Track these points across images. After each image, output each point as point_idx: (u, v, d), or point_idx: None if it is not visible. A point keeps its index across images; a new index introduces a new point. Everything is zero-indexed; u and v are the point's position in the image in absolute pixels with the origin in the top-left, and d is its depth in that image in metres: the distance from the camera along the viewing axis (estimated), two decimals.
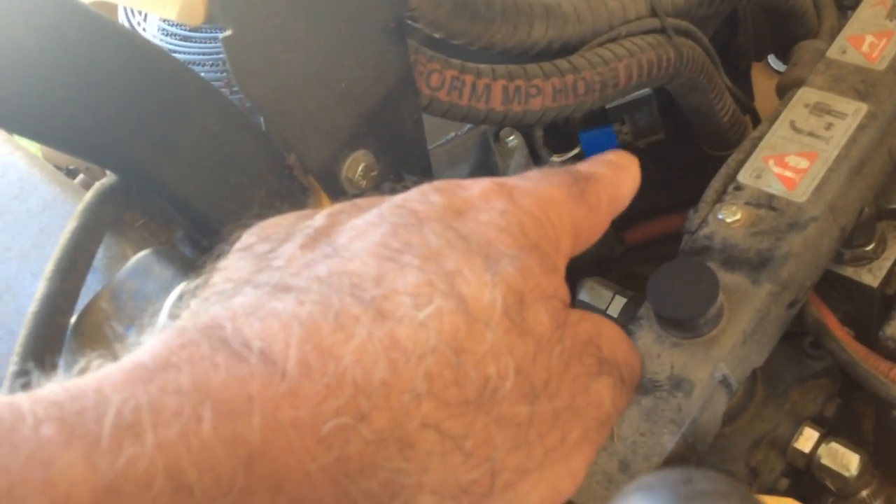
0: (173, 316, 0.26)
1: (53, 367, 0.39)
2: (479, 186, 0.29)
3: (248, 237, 0.29)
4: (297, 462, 0.22)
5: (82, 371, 0.23)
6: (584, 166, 0.34)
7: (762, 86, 0.75)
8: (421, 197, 0.28)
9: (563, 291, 0.28)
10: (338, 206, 0.30)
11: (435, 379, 0.24)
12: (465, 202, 0.28)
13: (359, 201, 0.30)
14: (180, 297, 0.29)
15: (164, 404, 0.21)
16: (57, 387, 0.22)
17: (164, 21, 0.60)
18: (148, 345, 0.23)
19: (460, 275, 0.26)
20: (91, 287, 0.41)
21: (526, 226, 0.28)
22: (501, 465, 0.26)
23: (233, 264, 0.27)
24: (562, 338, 0.27)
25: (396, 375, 0.24)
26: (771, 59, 0.78)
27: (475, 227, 0.27)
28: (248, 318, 0.24)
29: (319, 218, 0.29)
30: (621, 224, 0.75)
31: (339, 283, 0.25)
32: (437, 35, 0.49)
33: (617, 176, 0.34)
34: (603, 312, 0.64)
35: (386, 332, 0.24)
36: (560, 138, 0.66)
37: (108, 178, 0.42)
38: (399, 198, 0.29)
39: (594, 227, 0.33)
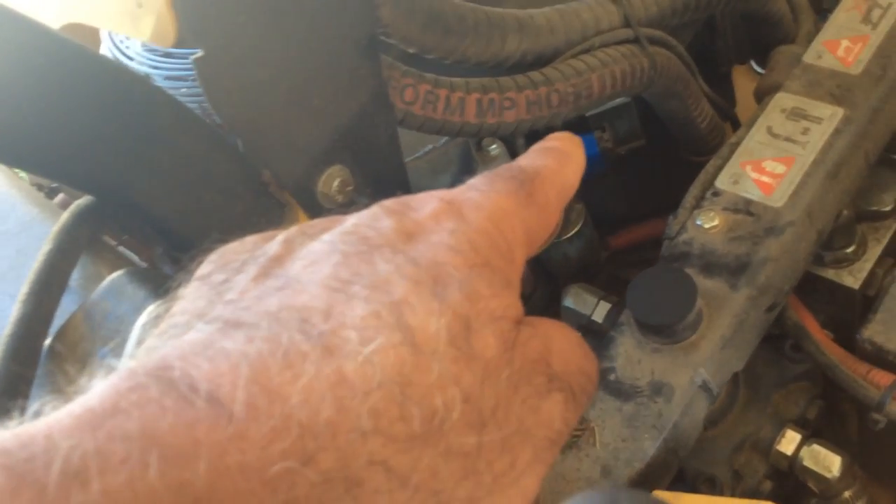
0: (140, 342, 0.26)
1: (27, 391, 0.40)
2: (429, 207, 0.29)
3: (207, 265, 0.29)
4: None
5: (37, 414, 0.23)
6: (527, 161, 0.33)
7: (746, 89, 0.76)
8: (371, 221, 0.28)
9: (514, 309, 0.28)
10: (293, 231, 0.30)
11: (381, 415, 0.24)
12: (415, 224, 0.28)
13: (312, 224, 0.30)
14: (144, 325, 0.29)
15: (112, 451, 0.21)
16: (8, 433, 0.22)
17: None
18: (98, 388, 0.23)
19: (407, 304, 0.26)
20: (67, 307, 0.42)
21: (477, 243, 0.28)
22: (450, 496, 0.26)
23: (190, 294, 0.27)
24: (510, 360, 0.27)
25: (342, 414, 0.24)
26: (753, 62, 0.79)
27: (425, 249, 0.27)
28: (196, 357, 0.24)
29: (273, 245, 0.29)
30: (606, 229, 0.75)
31: (288, 318, 0.25)
32: (410, 50, 0.49)
33: (562, 166, 0.34)
34: (588, 318, 0.65)
35: (333, 369, 0.24)
36: None
37: (84, 199, 0.43)
38: (350, 222, 0.29)
39: (546, 226, 0.32)
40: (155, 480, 0.21)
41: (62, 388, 0.24)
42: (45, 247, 0.40)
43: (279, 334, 0.25)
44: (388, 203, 0.29)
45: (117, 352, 0.31)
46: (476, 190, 0.30)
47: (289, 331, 0.25)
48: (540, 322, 0.30)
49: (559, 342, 0.29)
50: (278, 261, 0.28)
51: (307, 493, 0.23)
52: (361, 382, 0.24)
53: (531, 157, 0.33)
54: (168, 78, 0.59)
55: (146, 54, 0.61)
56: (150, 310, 0.29)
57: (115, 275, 0.42)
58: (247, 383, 0.23)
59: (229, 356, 0.24)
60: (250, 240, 0.30)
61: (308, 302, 0.25)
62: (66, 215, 0.42)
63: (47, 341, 0.41)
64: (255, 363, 0.24)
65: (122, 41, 0.63)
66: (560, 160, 0.34)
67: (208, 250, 0.30)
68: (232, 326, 0.25)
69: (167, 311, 0.28)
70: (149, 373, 0.23)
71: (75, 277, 0.43)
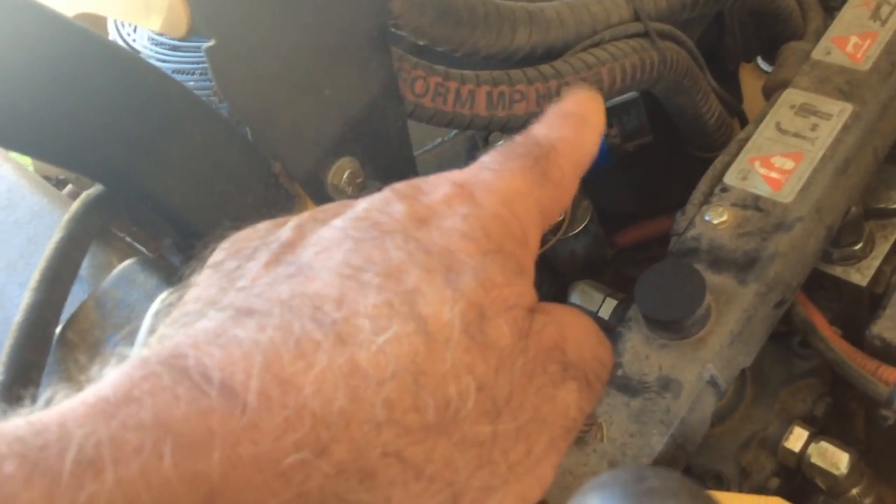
0: (153, 330, 0.26)
1: (38, 379, 0.39)
2: (441, 191, 0.28)
3: (219, 253, 0.29)
4: (257, 498, 0.22)
5: (48, 402, 0.23)
6: (542, 131, 0.32)
7: (751, 86, 0.76)
8: (383, 206, 0.28)
9: (527, 297, 0.28)
10: (304, 217, 0.29)
11: (395, 406, 0.24)
12: (427, 209, 0.28)
13: (324, 210, 0.30)
14: (156, 313, 0.29)
15: (126, 440, 0.21)
16: (22, 421, 0.22)
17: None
18: (111, 377, 0.23)
19: (420, 293, 0.25)
20: (77, 296, 0.41)
21: (490, 228, 0.27)
22: (465, 486, 0.26)
23: (202, 282, 0.27)
24: (525, 349, 0.27)
25: (356, 404, 0.24)
26: (760, 59, 0.79)
27: (437, 235, 0.27)
28: (209, 345, 0.24)
29: (285, 231, 0.28)
30: (613, 226, 0.75)
31: (300, 306, 0.25)
32: (421, 42, 0.49)
33: (578, 135, 0.32)
34: (594, 315, 0.65)
35: (346, 358, 0.24)
36: None
37: (95, 188, 0.43)
38: (361, 208, 0.28)
39: (561, 202, 0.32)
40: (169, 470, 0.21)
41: (74, 377, 0.24)
42: (55, 235, 0.40)
43: (291, 322, 0.24)
44: (400, 187, 0.29)
45: (128, 340, 0.31)
46: (488, 170, 0.30)
47: (301, 319, 0.24)
48: (554, 309, 0.29)
49: (573, 329, 0.29)
50: (290, 247, 0.27)
51: (321, 485, 0.23)
52: (375, 372, 0.24)
53: (547, 127, 0.32)
54: (175, 72, 0.59)
55: (153, 47, 0.61)
56: (163, 297, 0.29)
57: (126, 263, 0.42)
58: (260, 372, 0.23)
59: (242, 344, 0.24)
60: (262, 226, 0.30)
61: (320, 289, 0.25)
62: (76, 204, 0.42)
63: (58, 329, 0.41)
64: (268, 352, 0.24)
65: (129, 34, 0.63)
66: (577, 128, 0.32)
67: (221, 238, 0.30)
68: (244, 314, 0.25)
69: (179, 299, 0.27)
70: (162, 361, 0.23)
71: (85, 266, 0.43)
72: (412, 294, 0.25)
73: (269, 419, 0.23)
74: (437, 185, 0.29)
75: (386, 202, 0.28)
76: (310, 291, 0.25)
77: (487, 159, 0.30)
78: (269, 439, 0.23)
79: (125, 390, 0.22)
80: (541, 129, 0.32)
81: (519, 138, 0.32)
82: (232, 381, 0.23)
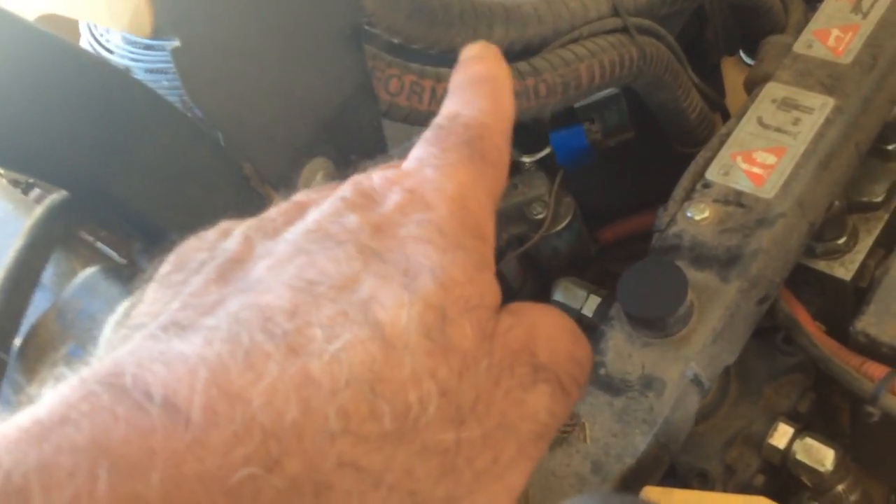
0: (111, 343, 0.25)
1: None
2: (392, 198, 0.28)
3: (165, 265, 0.28)
4: None
5: None
6: (465, 110, 0.30)
7: (734, 80, 0.75)
8: (335, 217, 0.27)
9: (491, 297, 0.27)
10: (252, 226, 0.28)
11: (350, 415, 0.23)
12: (382, 218, 0.27)
13: (272, 218, 0.29)
14: (116, 324, 0.28)
15: (58, 465, 0.20)
16: None
17: None
18: (48, 398, 0.22)
19: (376, 300, 0.24)
20: (40, 305, 0.41)
21: (445, 228, 0.26)
22: (428, 496, 0.25)
23: (149, 296, 0.26)
24: (490, 351, 0.26)
25: (308, 415, 0.23)
26: (742, 53, 0.78)
27: (393, 242, 0.26)
28: (152, 363, 0.23)
29: (232, 242, 0.27)
30: (595, 223, 0.75)
31: (249, 318, 0.24)
32: (395, 40, 0.48)
33: (497, 101, 0.31)
34: (577, 312, 0.64)
35: (298, 368, 0.23)
36: (530, 138, 0.66)
37: (59, 194, 0.42)
38: (312, 219, 0.27)
39: (503, 178, 0.30)
40: (104, 494, 0.20)
41: (9, 399, 0.23)
42: (16, 243, 0.39)
43: (239, 334, 0.23)
44: (350, 196, 0.28)
45: (86, 351, 0.30)
46: (430, 167, 0.29)
47: (250, 331, 0.23)
48: (525, 309, 0.28)
49: (546, 329, 0.28)
50: (239, 259, 0.26)
51: (273, 500, 0.22)
52: (328, 381, 0.23)
53: (464, 102, 0.31)
54: (149, 71, 0.58)
55: (127, 47, 0.60)
56: (122, 308, 0.28)
57: (87, 272, 0.41)
58: (205, 387, 0.22)
59: (187, 360, 0.23)
60: (208, 235, 0.29)
61: (271, 301, 0.24)
62: (39, 210, 0.41)
63: (18, 340, 0.40)
64: (215, 366, 0.23)
65: (101, 34, 0.61)
66: (493, 94, 0.31)
67: (171, 249, 0.29)
68: (190, 329, 0.24)
69: (129, 313, 0.27)
70: (100, 380, 0.22)
71: (49, 275, 0.42)
72: (367, 303, 0.24)
73: (216, 434, 0.22)
74: (387, 193, 0.28)
75: (338, 212, 0.27)
76: (261, 303, 0.24)
77: (423, 154, 0.29)
78: (215, 455, 0.22)
79: (61, 412, 0.21)
80: (460, 108, 0.31)
81: (443, 123, 0.30)
82: (175, 397, 0.22)
